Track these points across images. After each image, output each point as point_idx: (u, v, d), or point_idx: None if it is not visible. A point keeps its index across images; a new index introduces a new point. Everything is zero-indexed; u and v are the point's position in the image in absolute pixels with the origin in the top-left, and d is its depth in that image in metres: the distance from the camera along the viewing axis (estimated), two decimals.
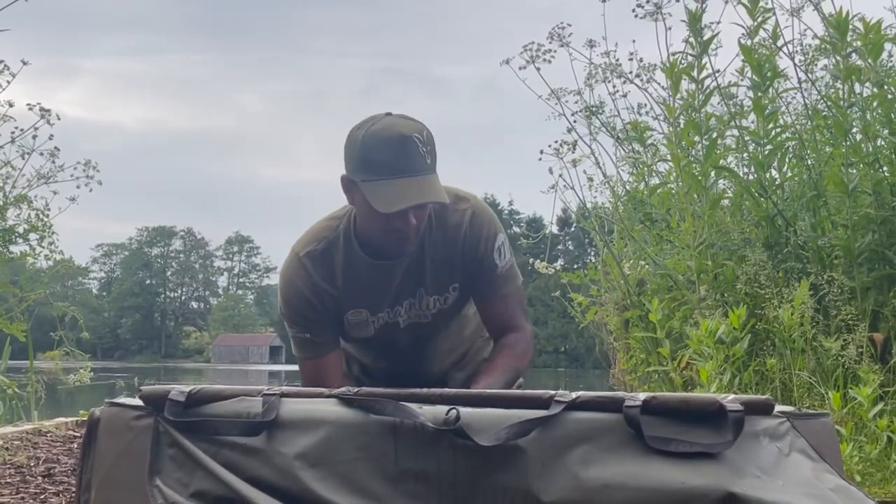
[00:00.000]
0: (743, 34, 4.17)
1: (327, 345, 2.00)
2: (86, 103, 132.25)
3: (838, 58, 3.97)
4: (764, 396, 1.36)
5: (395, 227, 1.82)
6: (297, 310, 1.96)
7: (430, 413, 1.28)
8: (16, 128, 4.63)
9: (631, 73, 4.69)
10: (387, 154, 1.76)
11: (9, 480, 2.90)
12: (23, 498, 2.66)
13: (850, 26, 3.89)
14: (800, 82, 4.27)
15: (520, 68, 4.65)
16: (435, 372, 2.14)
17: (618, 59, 4.71)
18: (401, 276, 1.96)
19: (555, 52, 4.63)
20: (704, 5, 4.16)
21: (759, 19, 4.14)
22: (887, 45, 4.14)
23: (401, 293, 1.98)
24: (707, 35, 4.20)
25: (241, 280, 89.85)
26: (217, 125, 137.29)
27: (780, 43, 4.19)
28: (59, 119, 4.64)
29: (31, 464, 3.20)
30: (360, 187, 1.81)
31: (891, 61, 4.32)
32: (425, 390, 1.34)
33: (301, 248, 1.97)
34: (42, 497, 2.69)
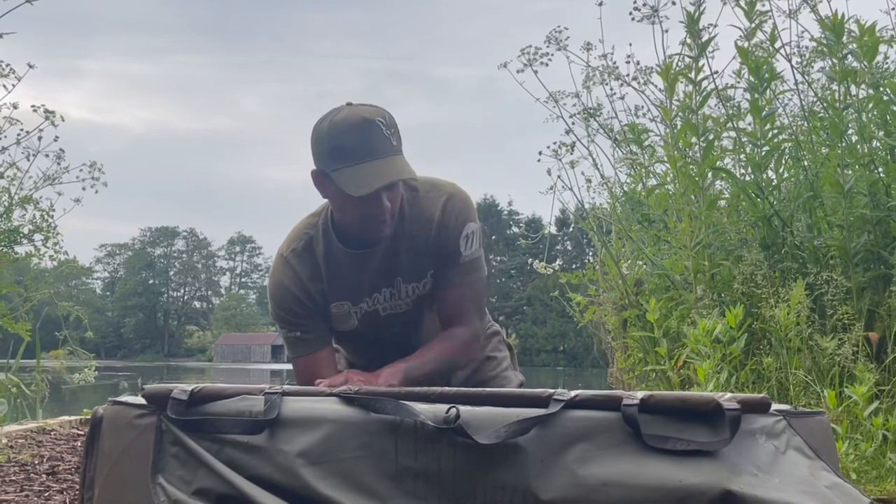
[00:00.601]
0: (740, 36, 4.17)
1: (318, 341, 2.00)
2: (90, 105, 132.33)
3: (834, 60, 3.97)
4: (760, 395, 1.36)
5: (369, 211, 1.83)
6: (287, 308, 1.97)
7: (429, 411, 1.28)
8: (21, 129, 4.63)
9: (628, 75, 4.69)
10: (353, 140, 1.78)
11: (13, 478, 2.90)
12: (27, 495, 2.66)
13: (846, 28, 3.89)
14: (796, 84, 4.27)
15: (517, 71, 4.66)
16: None
17: (615, 63, 4.71)
18: (378, 264, 1.96)
19: (552, 55, 4.63)
20: (702, 7, 4.16)
21: (756, 21, 4.15)
22: (882, 47, 4.14)
23: (378, 282, 1.98)
24: (704, 37, 4.20)
25: (243, 280, 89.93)
26: (219, 126, 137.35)
27: (777, 45, 4.20)
28: (63, 120, 4.64)
29: (36, 462, 3.20)
30: (331, 178, 1.83)
31: (886, 63, 4.32)
32: (425, 389, 1.34)
33: (285, 248, 2.00)
34: (46, 494, 2.69)
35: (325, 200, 1.96)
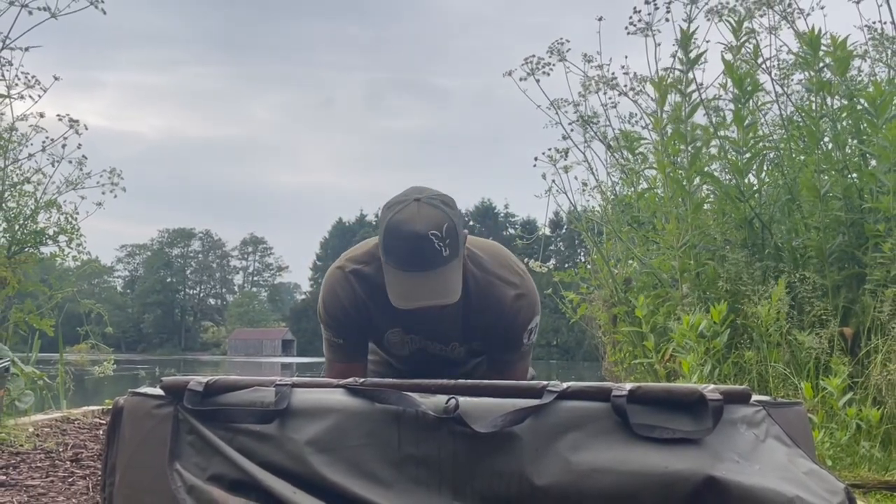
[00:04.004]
0: (724, 48, 4.18)
1: (358, 353, 1.99)
2: (108, 114, 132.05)
3: (811, 72, 3.98)
4: (742, 386, 1.36)
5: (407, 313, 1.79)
6: (336, 318, 1.94)
7: (430, 402, 1.28)
8: (47, 137, 4.64)
9: (626, 86, 4.71)
10: (401, 249, 1.72)
11: (39, 465, 2.90)
12: (52, 481, 2.66)
13: (822, 43, 3.90)
14: (776, 95, 4.28)
15: (521, 79, 4.67)
16: None
17: (612, 73, 4.73)
18: (436, 324, 1.94)
19: (553, 65, 4.65)
20: (695, 25, 4.17)
21: (744, 38, 4.16)
22: (856, 61, 4.15)
23: (434, 337, 1.98)
24: (694, 52, 4.21)
25: (255, 278, 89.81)
26: (231, 134, 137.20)
27: (759, 59, 4.20)
28: (87, 129, 4.65)
29: (60, 449, 3.20)
30: (384, 267, 1.78)
31: (860, 76, 4.33)
32: (426, 381, 1.34)
33: (351, 263, 1.93)
34: (70, 480, 2.69)
35: None
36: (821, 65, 3.91)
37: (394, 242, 1.73)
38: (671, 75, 4.35)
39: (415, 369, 2.09)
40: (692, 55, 4.18)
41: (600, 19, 4.65)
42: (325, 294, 1.95)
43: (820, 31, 3.88)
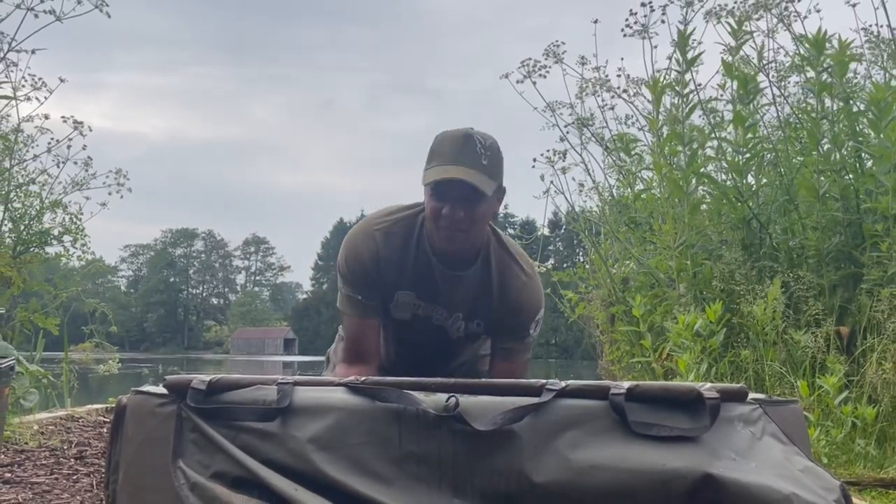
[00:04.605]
0: (723, 50, 4.18)
1: (373, 309, 1.99)
2: (111, 115, 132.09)
3: (812, 73, 3.98)
4: (738, 385, 1.36)
5: (440, 223, 1.83)
6: (355, 273, 1.96)
7: (431, 400, 1.28)
8: (52, 139, 4.64)
9: (620, 88, 4.71)
10: (446, 146, 1.82)
11: (44, 462, 2.91)
12: (56, 478, 2.66)
13: (825, 45, 3.90)
14: (773, 97, 4.28)
15: (517, 82, 4.67)
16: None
17: (607, 75, 4.72)
18: (453, 290, 1.96)
19: (549, 67, 4.65)
20: (693, 28, 4.18)
21: (743, 39, 4.16)
22: (852, 64, 4.15)
23: (447, 303, 1.99)
24: (691, 53, 4.21)
25: (257, 278, 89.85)
26: (232, 135, 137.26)
27: (762, 61, 4.21)
28: (91, 130, 4.65)
29: (65, 447, 3.20)
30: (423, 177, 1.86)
31: (856, 78, 4.33)
32: (427, 379, 1.34)
33: (376, 223, 1.97)
34: (74, 477, 2.69)
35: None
36: (823, 66, 3.91)
37: (439, 144, 1.84)
38: (667, 77, 4.35)
39: (406, 355, 2.10)
40: (689, 56, 4.18)
41: (596, 21, 4.65)
42: (347, 250, 1.98)
43: (825, 32, 3.88)
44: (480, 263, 1.95)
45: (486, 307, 1.97)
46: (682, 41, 4.17)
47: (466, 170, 1.78)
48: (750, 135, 4.13)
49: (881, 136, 3.65)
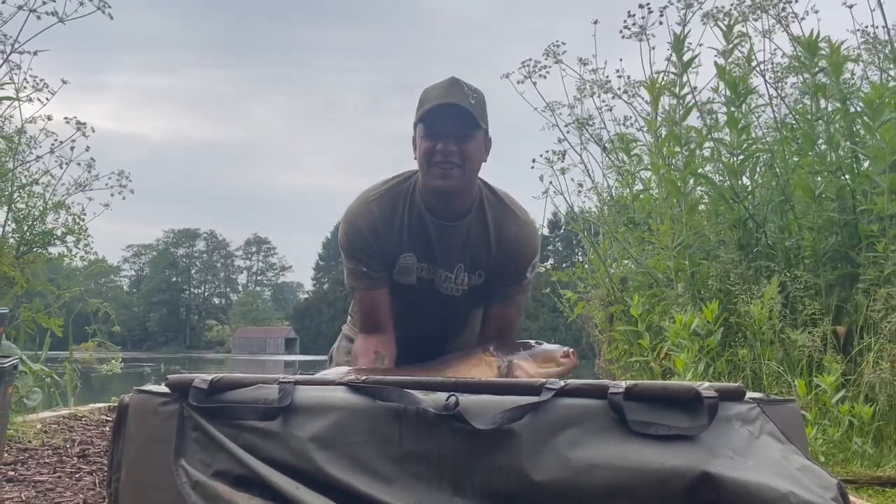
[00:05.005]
0: (717, 53, 4.18)
1: (380, 280, 2.01)
2: (113, 116, 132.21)
3: (807, 75, 3.98)
4: (736, 384, 1.35)
5: (434, 159, 1.86)
6: (357, 246, 1.98)
7: (431, 399, 1.27)
8: (56, 140, 4.64)
9: (620, 89, 4.70)
10: (436, 90, 1.88)
11: (47, 460, 2.90)
12: (59, 476, 2.66)
13: (819, 47, 3.90)
14: (770, 98, 4.27)
15: (518, 82, 4.68)
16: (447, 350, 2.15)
17: (607, 76, 4.72)
18: (451, 241, 1.98)
19: (549, 68, 4.65)
20: (688, 29, 4.17)
21: (735, 42, 4.16)
22: (849, 65, 4.15)
23: (443, 259, 2.00)
24: (687, 56, 4.21)
25: (259, 278, 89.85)
26: (233, 136, 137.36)
27: (752, 63, 4.20)
28: (93, 132, 4.65)
29: (68, 445, 3.20)
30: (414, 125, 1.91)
31: (852, 79, 4.33)
32: (427, 378, 1.34)
33: (370, 195, 2.01)
34: (77, 476, 2.69)
35: (416, 168, 1.98)
36: (816, 68, 3.91)
37: (429, 90, 1.89)
38: (665, 78, 4.35)
39: (407, 314, 2.09)
40: (686, 58, 4.18)
41: (595, 23, 4.65)
42: (347, 226, 2.01)
43: (818, 35, 3.88)
44: (475, 213, 1.98)
45: (485, 256, 2.00)
46: (679, 44, 4.17)
47: (455, 104, 1.84)
48: (744, 136, 4.13)
49: (876, 136, 3.65)
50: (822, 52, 3.89)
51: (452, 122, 1.85)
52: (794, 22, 4.05)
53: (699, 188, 4.44)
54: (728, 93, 4.11)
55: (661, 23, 4.26)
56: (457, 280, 2.02)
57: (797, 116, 4.16)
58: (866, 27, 4.22)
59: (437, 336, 2.12)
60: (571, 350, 1.94)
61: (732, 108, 4.10)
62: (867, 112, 3.71)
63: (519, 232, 2.00)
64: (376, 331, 2.00)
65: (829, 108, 3.99)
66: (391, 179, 2.03)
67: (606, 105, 4.85)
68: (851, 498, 2.04)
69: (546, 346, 1.95)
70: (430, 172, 1.89)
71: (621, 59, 4.72)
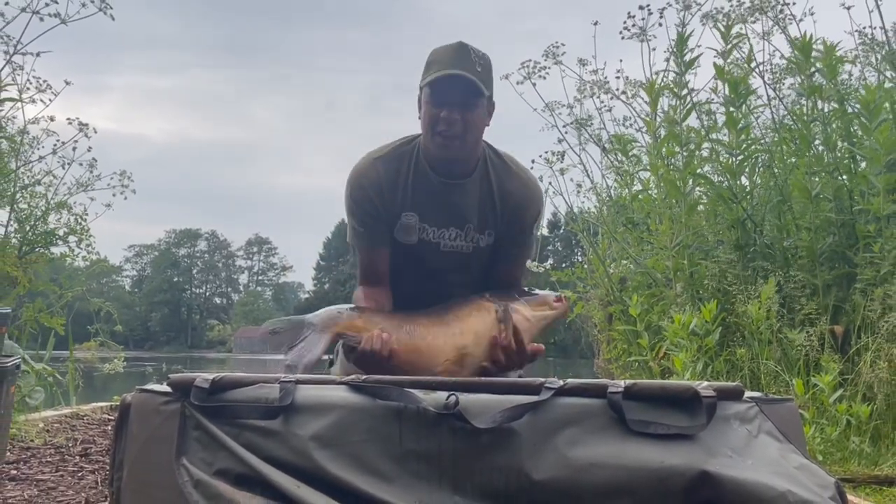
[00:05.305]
0: (716, 54, 4.18)
1: (381, 239, 2.02)
2: (115, 117, 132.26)
3: (803, 77, 3.98)
4: (734, 383, 1.35)
5: (437, 127, 1.87)
6: (360, 204, 1.99)
7: (431, 398, 1.27)
8: (57, 140, 4.64)
9: (618, 89, 4.71)
10: (442, 55, 1.88)
11: (49, 459, 2.90)
12: (62, 475, 2.66)
13: (813, 48, 3.90)
14: (769, 99, 4.28)
15: (517, 83, 4.68)
16: None
17: (606, 78, 4.73)
18: (457, 199, 1.99)
19: (549, 68, 4.66)
20: (690, 30, 4.17)
21: (733, 42, 4.16)
22: (846, 66, 4.15)
23: (450, 219, 2.00)
24: (688, 57, 4.21)
25: (260, 278, 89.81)
26: (234, 136, 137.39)
27: (752, 64, 4.20)
28: (95, 132, 4.65)
29: (70, 444, 3.20)
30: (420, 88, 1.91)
31: (850, 80, 4.33)
32: (427, 378, 1.34)
33: (375, 153, 2.02)
34: (79, 475, 2.69)
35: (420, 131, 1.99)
36: (812, 69, 3.91)
37: (434, 54, 1.90)
38: (665, 79, 4.35)
39: (409, 276, 2.07)
40: (686, 59, 4.18)
41: (595, 23, 4.65)
42: (351, 182, 2.02)
43: (811, 37, 3.88)
44: (479, 172, 2.00)
45: (492, 214, 2.01)
46: (680, 44, 4.17)
47: (460, 73, 1.84)
48: (743, 137, 4.13)
49: (871, 137, 3.65)
50: (817, 54, 3.89)
51: (458, 90, 1.86)
52: (791, 24, 4.06)
53: (698, 188, 4.44)
54: (728, 93, 4.11)
55: (660, 24, 4.26)
56: (467, 237, 2.03)
57: (794, 117, 4.16)
58: (864, 28, 4.22)
59: (445, 297, 2.09)
60: (564, 295, 2.02)
61: (731, 109, 4.10)
62: (863, 113, 3.71)
63: (522, 188, 2.02)
64: (376, 284, 2.04)
65: (826, 110, 3.99)
66: (397, 141, 2.06)
67: (606, 106, 4.85)
68: (849, 496, 2.04)
69: (540, 292, 2.01)
70: (433, 140, 1.92)
71: (621, 60, 4.72)
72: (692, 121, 4.48)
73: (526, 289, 2.02)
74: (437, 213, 2.00)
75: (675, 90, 4.25)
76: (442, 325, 1.86)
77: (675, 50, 4.19)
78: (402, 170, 1.98)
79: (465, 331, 1.85)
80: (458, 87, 1.86)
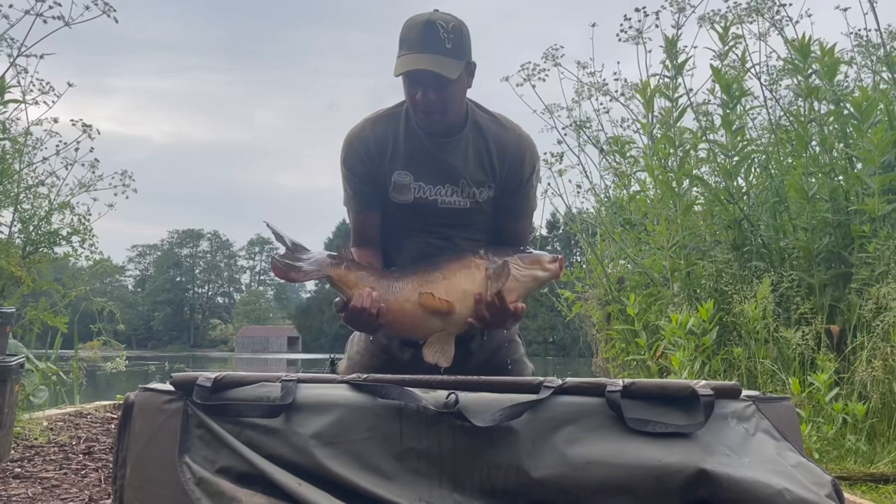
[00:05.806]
0: (713, 56, 4.18)
1: (372, 203, 2.03)
2: (118, 118, 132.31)
3: (800, 78, 3.98)
4: (731, 382, 1.35)
5: (410, 95, 1.90)
6: (352, 166, 2.02)
7: (431, 397, 1.27)
8: (60, 141, 4.64)
9: (617, 91, 4.71)
10: (410, 34, 1.88)
11: (53, 457, 2.90)
12: (65, 473, 2.66)
13: (811, 50, 3.90)
14: (765, 100, 4.28)
15: (517, 85, 4.68)
16: None
17: (604, 80, 4.73)
18: (449, 156, 1.99)
19: (548, 71, 4.66)
20: (680, 32, 4.17)
21: (730, 44, 4.16)
22: (843, 67, 4.15)
23: (445, 175, 2.00)
24: (681, 58, 4.21)
25: (262, 277, 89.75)
26: (236, 138, 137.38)
27: (747, 65, 4.20)
28: (99, 133, 4.65)
29: (74, 443, 3.20)
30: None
31: (846, 81, 4.33)
32: (427, 377, 1.34)
33: (367, 117, 2.05)
34: (83, 473, 2.69)
35: None
36: (809, 71, 3.91)
37: (404, 31, 1.90)
38: (660, 80, 4.36)
39: (405, 236, 2.06)
40: (679, 61, 4.18)
41: (593, 26, 4.66)
42: (345, 149, 2.04)
43: (809, 38, 3.88)
44: (470, 127, 2.00)
45: (490, 167, 2.01)
46: (670, 46, 4.17)
47: (430, 57, 1.84)
48: (739, 138, 4.13)
49: (864, 139, 3.65)
50: (815, 55, 3.89)
51: (428, 75, 1.86)
52: (788, 25, 4.06)
53: (694, 189, 4.44)
54: (723, 95, 4.11)
55: (656, 26, 4.27)
56: (463, 193, 2.02)
57: (791, 118, 4.16)
58: (859, 30, 4.22)
59: (451, 253, 2.08)
60: (561, 257, 1.99)
61: (727, 110, 4.10)
62: (856, 115, 3.71)
63: (517, 139, 2.02)
64: (367, 246, 2.06)
65: (823, 111, 3.99)
66: (391, 105, 2.07)
67: (604, 107, 4.85)
68: (846, 494, 2.04)
69: (536, 251, 2.00)
70: (416, 116, 1.95)
71: (619, 63, 4.73)
72: (690, 122, 4.49)
73: (524, 248, 2.00)
74: (430, 170, 2.00)
75: (667, 92, 4.25)
76: (429, 283, 1.86)
77: (666, 53, 4.20)
78: (394, 130, 2.00)
79: (452, 288, 1.85)
80: (428, 73, 1.86)
